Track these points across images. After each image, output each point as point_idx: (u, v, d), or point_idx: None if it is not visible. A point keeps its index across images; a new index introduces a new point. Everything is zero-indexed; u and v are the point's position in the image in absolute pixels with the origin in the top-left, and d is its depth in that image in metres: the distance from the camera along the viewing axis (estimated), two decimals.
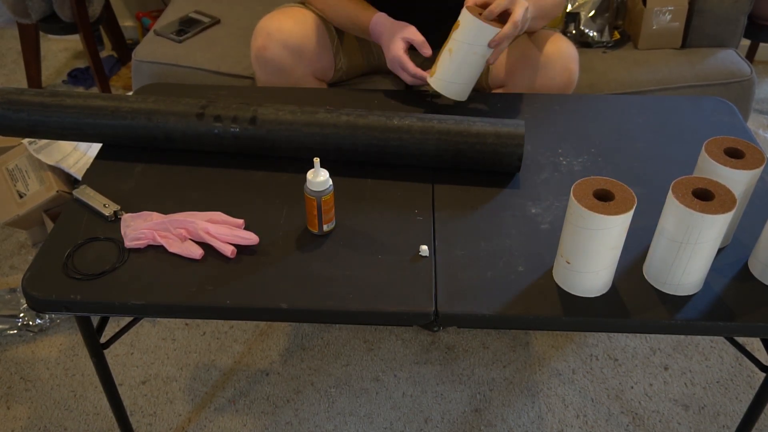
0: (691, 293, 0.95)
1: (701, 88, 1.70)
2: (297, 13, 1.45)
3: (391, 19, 1.38)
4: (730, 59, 1.77)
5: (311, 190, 0.99)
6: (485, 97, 1.37)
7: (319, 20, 1.48)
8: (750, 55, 2.33)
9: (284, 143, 1.16)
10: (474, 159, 1.13)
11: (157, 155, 1.21)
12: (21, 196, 1.76)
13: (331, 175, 1.00)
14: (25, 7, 2.22)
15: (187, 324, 1.65)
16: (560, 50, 1.38)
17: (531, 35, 1.44)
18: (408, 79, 1.34)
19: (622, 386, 1.51)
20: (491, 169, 1.15)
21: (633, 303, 0.94)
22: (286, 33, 1.40)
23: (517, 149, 1.12)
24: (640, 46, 1.82)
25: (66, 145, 1.79)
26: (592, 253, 0.89)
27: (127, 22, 2.74)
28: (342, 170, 1.17)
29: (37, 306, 0.96)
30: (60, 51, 2.78)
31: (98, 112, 1.18)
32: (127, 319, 1.19)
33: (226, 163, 1.19)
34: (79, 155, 1.79)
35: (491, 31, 1.20)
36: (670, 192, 0.88)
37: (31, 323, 1.62)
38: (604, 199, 0.88)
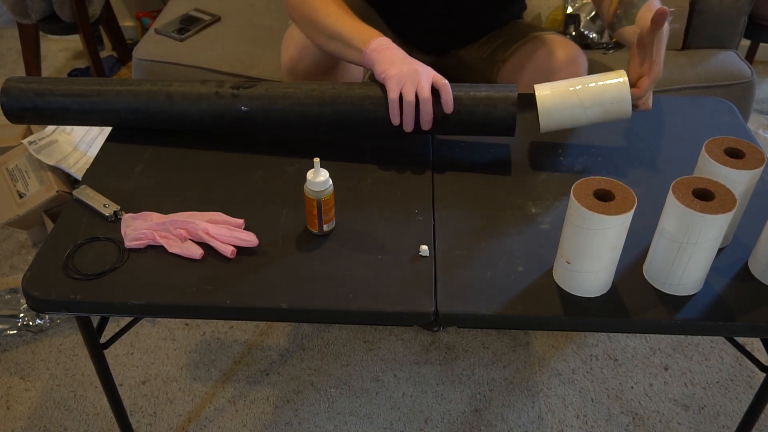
0: (691, 293, 0.95)
1: (701, 90, 1.70)
2: None
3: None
4: (731, 61, 1.76)
5: (311, 190, 0.99)
6: None
7: None
8: (750, 56, 2.33)
9: (284, 102, 1.16)
10: (469, 108, 1.13)
11: (158, 155, 1.21)
12: (21, 196, 1.76)
13: (331, 176, 1.00)
14: (25, 7, 2.22)
15: (187, 324, 1.65)
16: (570, 57, 1.37)
17: (542, 40, 1.43)
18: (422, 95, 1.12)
19: (622, 386, 1.51)
20: (487, 122, 1.14)
21: (633, 303, 0.94)
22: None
23: (511, 96, 1.12)
24: None
25: (66, 145, 1.80)
26: (592, 253, 0.89)
27: (127, 22, 2.74)
28: (342, 170, 1.17)
29: (37, 306, 0.96)
30: (60, 51, 2.78)
31: (100, 86, 1.20)
32: (127, 319, 1.19)
33: (227, 163, 1.19)
34: (79, 155, 1.79)
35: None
36: (670, 192, 0.87)
37: (31, 323, 1.62)
38: (604, 199, 0.88)
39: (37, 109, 1.20)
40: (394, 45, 1.16)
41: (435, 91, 1.12)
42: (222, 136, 1.24)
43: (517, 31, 1.51)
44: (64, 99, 1.19)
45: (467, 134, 1.18)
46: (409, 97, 1.10)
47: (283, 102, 1.16)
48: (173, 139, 1.24)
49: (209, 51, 1.79)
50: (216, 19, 1.92)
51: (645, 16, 1.17)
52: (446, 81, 1.12)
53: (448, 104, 1.12)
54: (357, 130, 1.17)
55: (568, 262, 0.92)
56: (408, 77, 1.10)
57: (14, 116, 1.22)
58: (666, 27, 1.12)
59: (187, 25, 1.88)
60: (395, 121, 1.13)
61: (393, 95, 1.10)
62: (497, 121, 1.13)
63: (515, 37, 1.49)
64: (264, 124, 1.18)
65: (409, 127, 1.13)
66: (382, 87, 1.14)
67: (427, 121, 1.12)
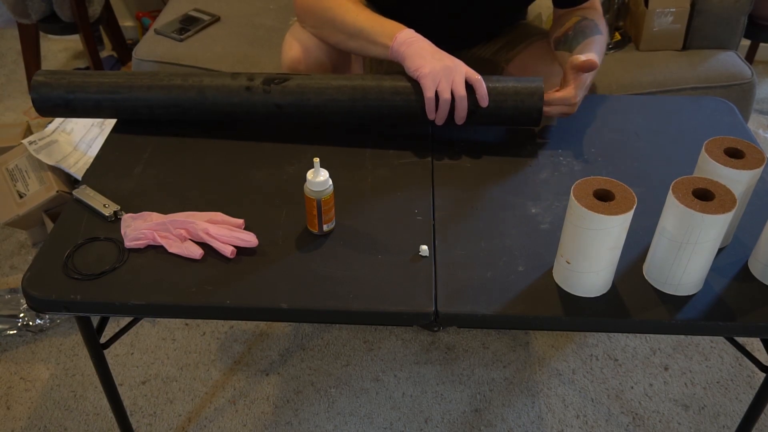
0: (691, 293, 0.95)
1: (702, 91, 1.70)
2: None
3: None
4: (731, 62, 1.76)
5: (311, 190, 0.99)
6: None
7: None
8: (750, 56, 2.33)
9: (317, 98, 1.18)
10: (498, 102, 1.15)
11: (158, 155, 1.21)
12: (21, 196, 1.76)
13: (331, 176, 1.00)
14: (25, 7, 2.22)
15: (187, 324, 1.65)
16: None
17: (547, 43, 1.42)
18: (459, 90, 1.14)
19: (622, 386, 1.51)
20: (514, 115, 1.17)
21: (633, 303, 0.94)
22: (324, 49, 1.31)
23: (538, 91, 1.15)
24: (641, 48, 1.82)
25: (66, 145, 1.80)
26: (592, 253, 0.89)
27: (127, 22, 2.74)
28: (342, 170, 1.17)
29: (37, 306, 0.96)
30: (60, 51, 2.78)
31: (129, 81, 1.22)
32: (127, 319, 1.19)
33: (227, 163, 1.19)
34: (79, 155, 1.79)
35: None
36: (670, 192, 0.87)
37: (31, 323, 1.62)
38: (604, 199, 0.88)
39: (69, 105, 1.22)
40: (420, 37, 1.18)
41: (468, 85, 1.15)
42: (224, 136, 1.24)
43: (521, 31, 1.50)
44: (96, 96, 1.21)
45: (493, 125, 1.21)
46: (446, 96, 1.13)
47: (317, 98, 1.18)
48: (174, 139, 1.24)
49: (209, 51, 1.79)
50: (216, 19, 1.92)
51: (582, 50, 1.22)
52: (479, 76, 1.15)
53: (483, 99, 1.15)
54: (386, 122, 1.21)
55: (568, 262, 0.92)
56: (442, 75, 1.12)
57: (45, 111, 1.24)
58: (591, 75, 1.19)
59: (187, 25, 1.88)
60: (431, 117, 1.16)
61: (429, 94, 1.13)
62: (524, 114, 1.17)
63: (519, 38, 1.48)
64: (295, 118, 1.21)
65: (441, 121, 1.17)
66: (413, 81, 1.16)
67: (461, 117, 1.15)
